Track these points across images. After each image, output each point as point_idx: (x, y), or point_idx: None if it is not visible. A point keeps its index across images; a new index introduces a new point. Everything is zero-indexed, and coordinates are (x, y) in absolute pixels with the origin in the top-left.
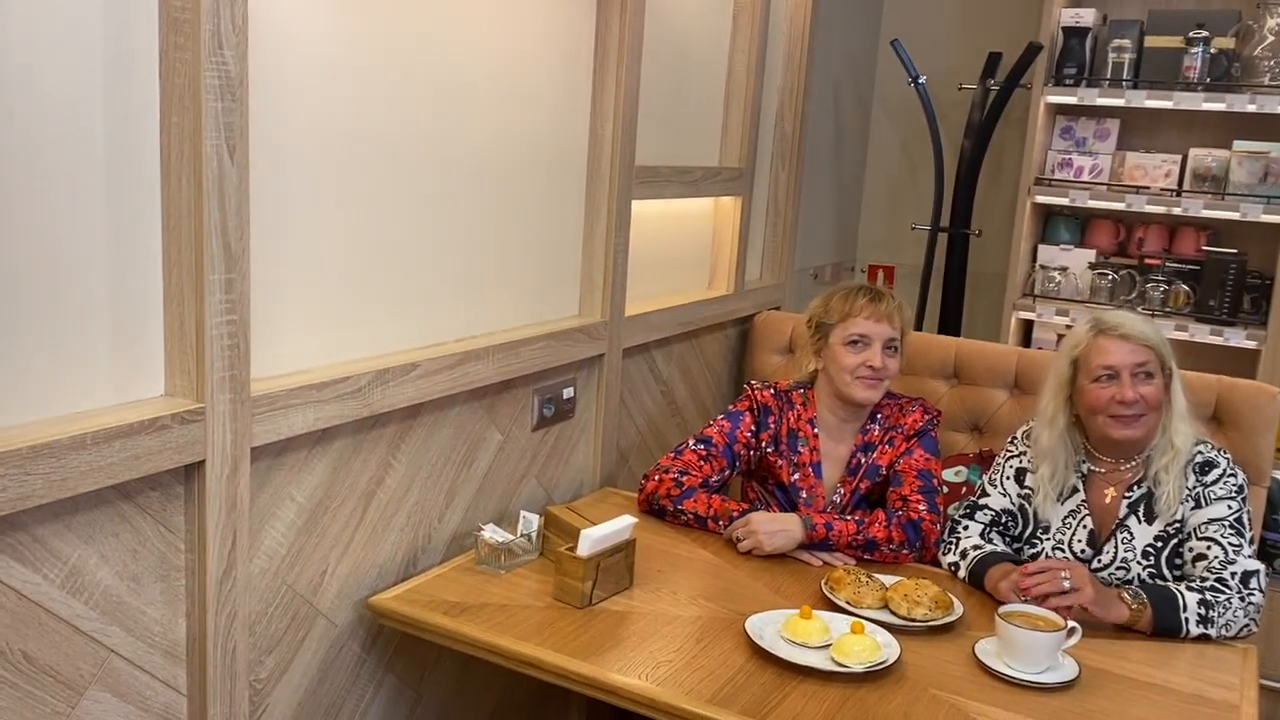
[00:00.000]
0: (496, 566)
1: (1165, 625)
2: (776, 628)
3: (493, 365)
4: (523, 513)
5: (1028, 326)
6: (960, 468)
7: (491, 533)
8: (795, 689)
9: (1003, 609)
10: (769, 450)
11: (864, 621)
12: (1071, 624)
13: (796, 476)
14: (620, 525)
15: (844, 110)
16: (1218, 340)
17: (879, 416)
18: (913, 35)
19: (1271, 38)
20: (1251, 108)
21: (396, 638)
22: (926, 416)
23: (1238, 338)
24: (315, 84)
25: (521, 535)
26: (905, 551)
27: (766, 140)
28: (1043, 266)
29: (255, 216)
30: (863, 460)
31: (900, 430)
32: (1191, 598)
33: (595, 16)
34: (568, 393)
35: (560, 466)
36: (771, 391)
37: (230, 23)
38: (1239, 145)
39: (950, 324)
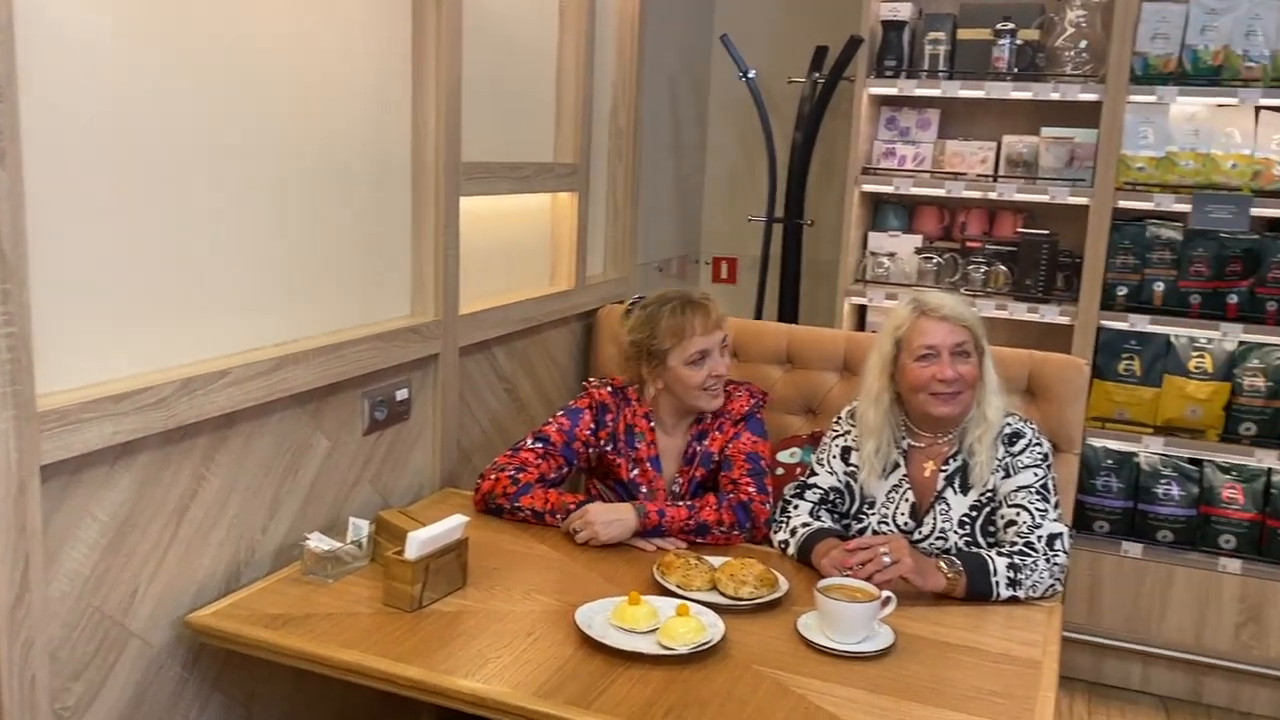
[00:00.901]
0: (324, 576)
1: (978, 590)
2: (606, 616)
3: (314, 369)
4: (351, 519)
5: (862, 311)
6: (795, 449)
7: (317, 541)
8: (622, 674)
9: (822, 583)
10: (608, 448)
11: (689, 603)
12: (887, 594)
13: (635, 473)
14: (450, 525)
15: (681, 105)
16: (1035, 317)
17: None
18: (743, 30)
19: (1071, 29)
20: (1055, 95)
21: (221, 655)
22: (752, 400)
23: (1052, 314)
24: (108, 81)
25: (351, 542)
26: (736, 532)
27: (602, 135)
28: (873, 253)
29: (40, 223)
30: (697, 449)
31: (729, 416)
32: (1001, 562)
33: (410, 12)
34: (401, 394)
35: (397, 470)
36: (609, 389)
37: None
38: (1046, 131)
39: (788, 312)
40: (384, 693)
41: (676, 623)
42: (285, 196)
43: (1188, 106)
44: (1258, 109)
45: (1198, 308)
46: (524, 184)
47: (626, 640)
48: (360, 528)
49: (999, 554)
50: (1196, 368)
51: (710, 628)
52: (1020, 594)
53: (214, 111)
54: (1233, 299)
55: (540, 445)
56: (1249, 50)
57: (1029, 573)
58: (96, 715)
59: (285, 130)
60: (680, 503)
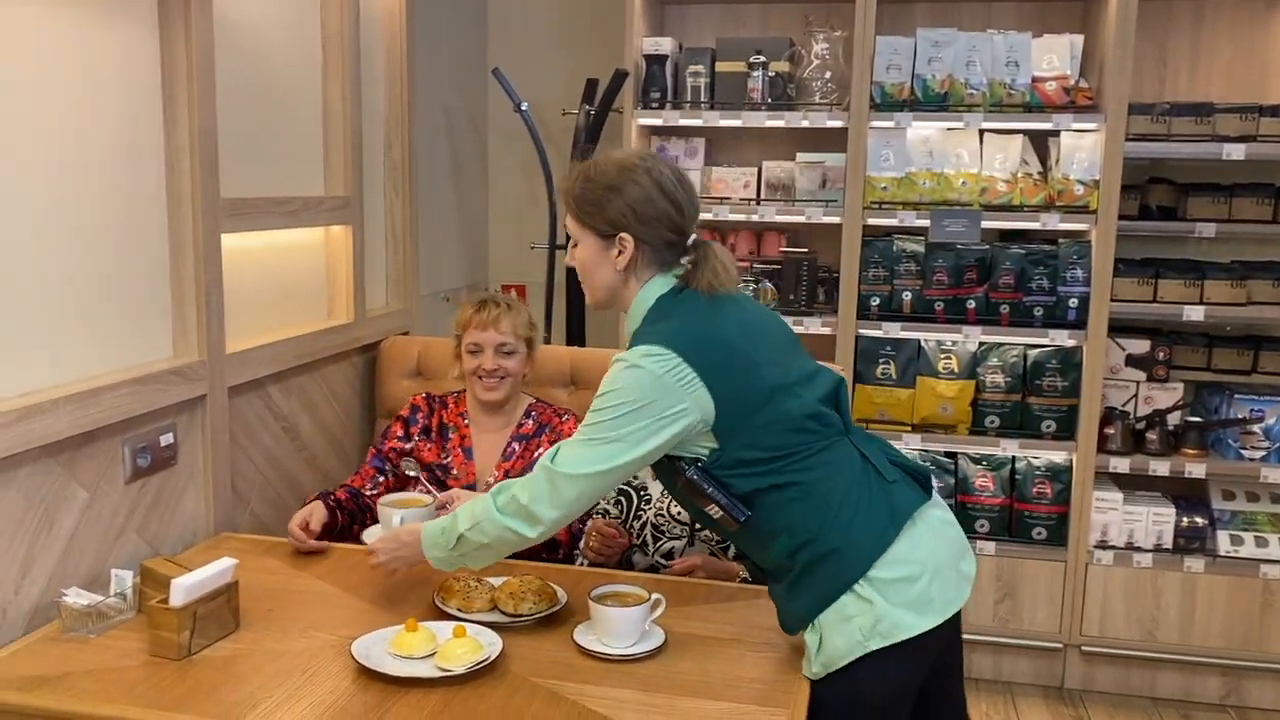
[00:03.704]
0: (86, 632)
1: None
2: (384, 645)
3: (66, 418)
4: (114, 571)
5: None
6: None
7: (75, 597)
8: (399, 701)
9: (594, 592)
10: (419, 440)
11: (466, 625)
12: (656, 596)
13: (449, 459)
14: (219, 569)
15: (459, 137)
16: (800, 330)
17: (533, 414)
18: (518, 64)
19: (817, 61)
20: (806, 123)
21: None
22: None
23: (815, 326)
24: None
25: (115, 595)
26: None
27: (376, 169)
28: None
29: None
30: (517, 449)
31: (559, 433)
32: None
33: (159, 55)
34: (166, 439)
35: (166, 518)
36: (424, 396)
37: None
38: (801, 157)
39: (575, 335)
40: None
41: (453, 644)
42: (27, 244)
43: (922, 130)
44: (981, 132)
45: (942, 313)
46: (292, 219)
47: (404, 667)
48: (123, 579)
49: None
50: (945, 368)
51: (487, 646)
52: None
53: None
54: (971, 304)
55: (357, 471)
56: (969, 79)
57: None
58: None
59: (32, 179)
60: None
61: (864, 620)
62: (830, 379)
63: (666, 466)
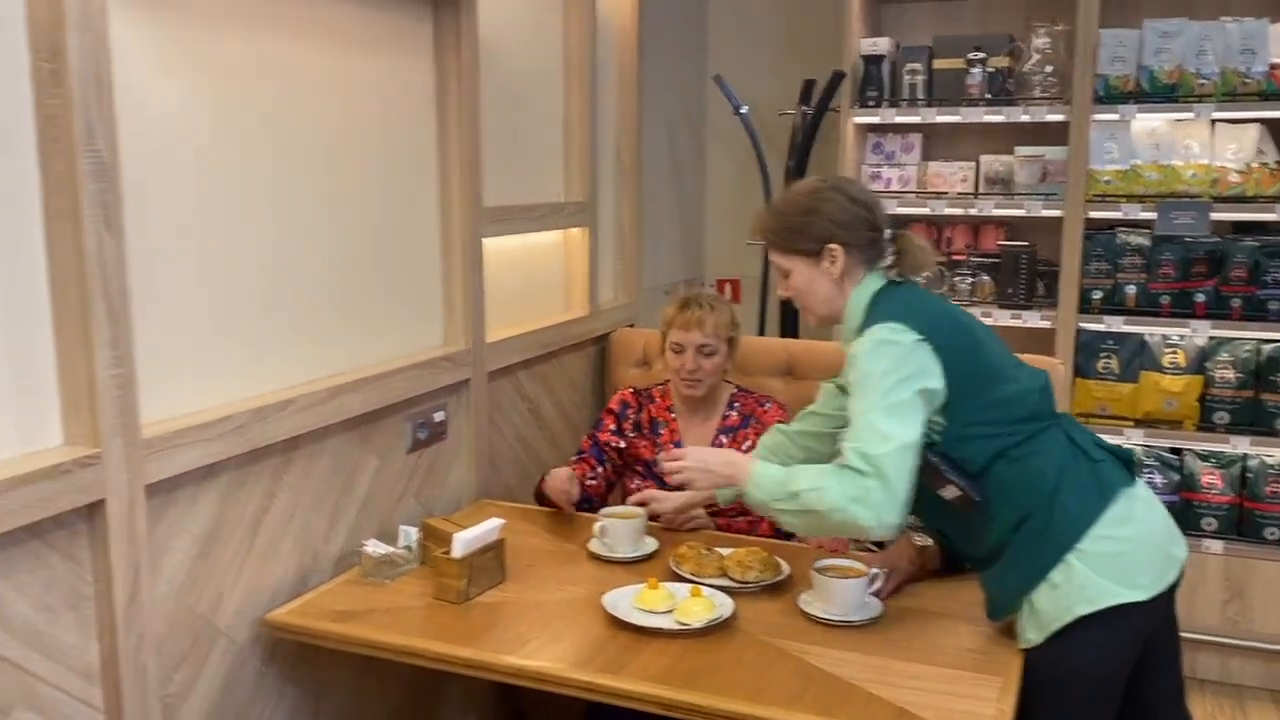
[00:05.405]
0: (381, 577)
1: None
2: (630, 600)
3: (364, 396)
4: (401, 527)
5: None
6: None
7: (374, 547)
8: (646, 647)
9: (817, 564)
10: (633, 435)
11: (702, 586)
12: (874, 570)
13: (661, 455)
14: (489, 527)
15: (679, 141)
16: (1018, 323)
17: (736, 405)
18: (736, 68)
19: (1038, 55)
20: (1025, 118)
21: (294, 650)
22: (781, 412)
23: (1034, 319)
24: (195, 161)
25: (402, 547)
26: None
27: (608, 174)
28: None
29: (140, 282)
30: (724, 441)
31: (763, 424)
32: None
33: (434, 86)
34: (439, 416)
35: (438, 484)
36: (631, 391)
37: (98, 114)
38: (1020, 150)
39: (789, 327)
40: (434, 684)
41: (691, 602)
42: (336, 249)
43: (1148, 122)
44: (1212, 121)
45: (1168, 307)
46: (538, 223)
47: (648, 619)
48: (409, 534)
49: None
50: (1170, 363)
51: (721, 606)
52: None
53: (282, 183)
54: (1200, 298)
55: (575, 457)
56: (1200, 69)
57: None
58: (194, 701)
59: (338, 195)
60: None
61: (1071, 587)
62: (1040, 372)
63: None
